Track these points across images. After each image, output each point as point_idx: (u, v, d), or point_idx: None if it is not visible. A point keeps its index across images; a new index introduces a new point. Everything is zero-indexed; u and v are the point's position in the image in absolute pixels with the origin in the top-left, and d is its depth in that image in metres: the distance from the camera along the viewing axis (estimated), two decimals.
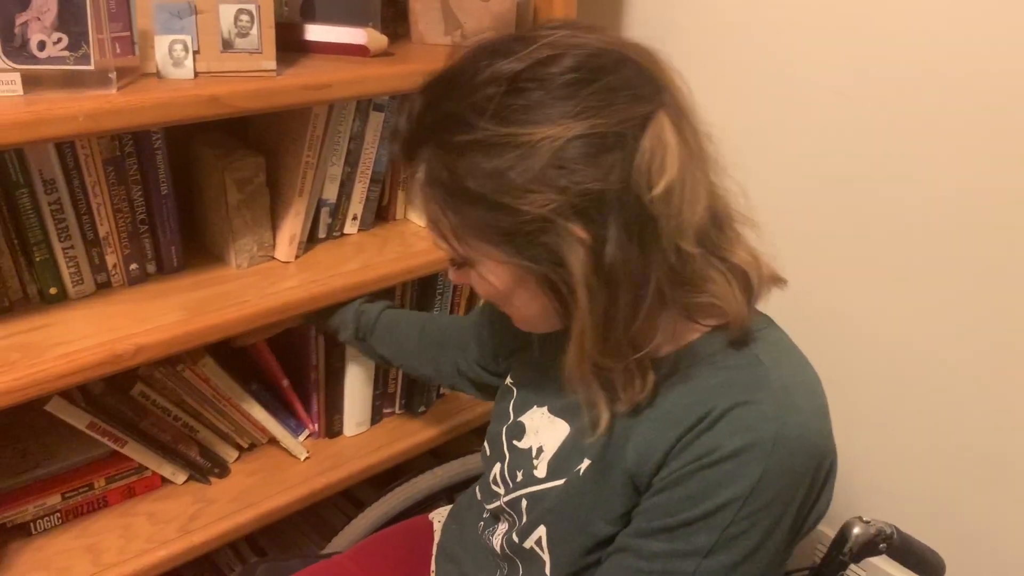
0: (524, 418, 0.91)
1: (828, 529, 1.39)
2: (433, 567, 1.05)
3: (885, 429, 1.36)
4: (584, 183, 0.65)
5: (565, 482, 0.83)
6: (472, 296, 1.44)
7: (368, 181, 1.27)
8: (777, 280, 0.78)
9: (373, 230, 1.32)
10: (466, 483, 1.28)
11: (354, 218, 1.29)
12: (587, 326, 0.70)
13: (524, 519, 0.87)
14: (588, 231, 0.66)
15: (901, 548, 0.91)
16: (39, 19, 0.87)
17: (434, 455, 1.48)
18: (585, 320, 0.69)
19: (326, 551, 1.18)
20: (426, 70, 1.14)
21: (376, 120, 1.23)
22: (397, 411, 1.43)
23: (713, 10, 1.36)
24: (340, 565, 1.06)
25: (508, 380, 0.97)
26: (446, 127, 0.68)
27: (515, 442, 0.91)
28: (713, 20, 1.37)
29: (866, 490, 1.40)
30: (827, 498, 0.76)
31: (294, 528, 1.49)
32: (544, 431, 0.88)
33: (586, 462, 0.81)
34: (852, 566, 0.91)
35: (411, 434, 1.40)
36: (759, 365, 0.73)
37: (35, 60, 0.88)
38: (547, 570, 0.85)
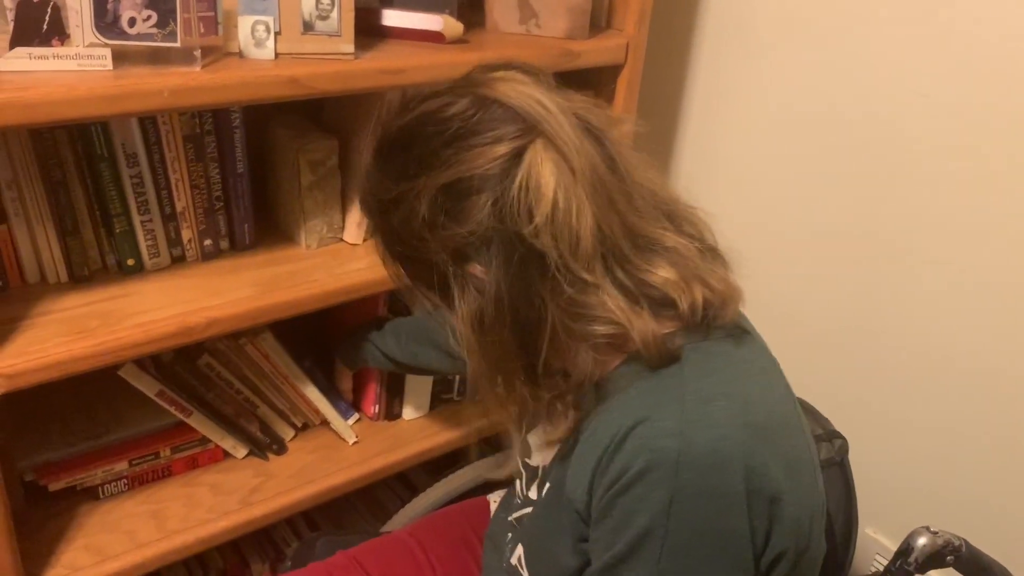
0: (530, 436, 0.91)
1: (882, 537, 1.38)
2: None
3: (950, 438, 1.32)
4: (456, 228, 0.68)
5: (535, 504, 0.84)
6: None
7: None
8: (730, 302, 0.73)
9: None
10: None
11: None
12: (478, 353, 0.71)
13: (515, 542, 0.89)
14: (478, 271, 0.69)
15: (969, 562, 0.89)
16: None
17: (487, 443, 1.48)
18: (473, 362, 0.72)
19: (385, 529, 1.20)
20: (500, 57, 1.15)
21: None
22: (455, 397, 1.44)
23: (802, 10, 1.34)
24: (400, 540, 1.08)
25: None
26: (365, 186, 0.78)
27: (527, 459, 0.92)
28: (805, 19, 1.35)
29: (931, 500, 1.36)
30: (779, 529, 0.67)
31: (350, 507, 1.51)
32: (539, 453, 0.89)
33: (547, 486, 0.82)
34: None
35: (467, 421, 1.41)
36: (677, 378, 0.69)
37: (125, 36, 0.90)
38: None
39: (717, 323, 0.71)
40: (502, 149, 0.67)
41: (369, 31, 1.13)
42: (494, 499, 1.14)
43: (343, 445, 1.33)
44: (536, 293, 0.68)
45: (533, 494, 0.88)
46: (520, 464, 0.93)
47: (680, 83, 1.53)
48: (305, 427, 1.35)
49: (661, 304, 0.70)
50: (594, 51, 1.24)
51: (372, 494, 1.52)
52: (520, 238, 0.67)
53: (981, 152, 1.17)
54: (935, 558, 0.88)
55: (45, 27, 0.88)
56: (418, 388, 1.38)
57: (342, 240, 1.23)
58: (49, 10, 0.87)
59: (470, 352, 0.72)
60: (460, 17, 1.16)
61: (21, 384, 0.92)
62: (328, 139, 1.16)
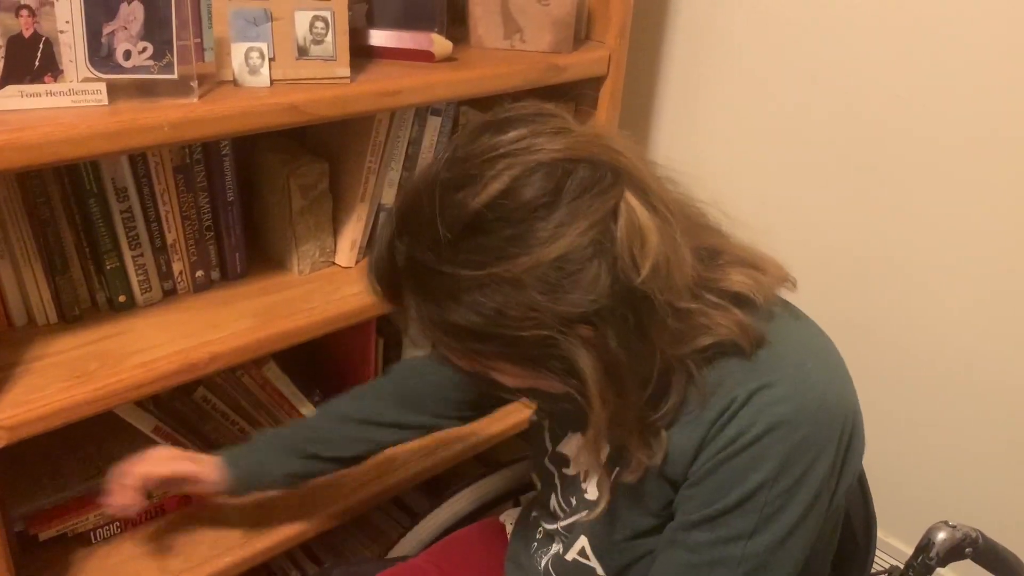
0: (562, 447, 0.92)
1: (891, 539, 1.42)
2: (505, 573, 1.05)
3: (959, 432, 1.36)
4: (577, 299, 0.65)
5: (597, 501, 0.84)
6: None
7: None
8: (784, 280, 0.79)
9: None
10: (528, 486, 1.28)
11: None
12: (602, 418, 0.70)
13: (573, 540, 0.89)
14: (590, 334, 0.67)
15: (986, 553, 0.92)
16: (126, 28, 0.86)
17: (481, 462, 1.48)
18: (600, 416, 0.70)
19: (393, 555, 1.18)
20: (492, 75, 1.15)
21: (434, 124, 1.22)
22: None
23: (772, 16, 1.37)
24: (419, 568, 1.06)
25: (532, 416, 0.98)
26: (421, 277, 0.68)
27: (564, 470, 0.92)
28: (760, 12, 1.37)
29: (943, 494, 1.40)
30: (855, 452, 0.78)
31: (347, 535, 1.48)
32: (584, 455, 0.88)
33: (605, 501, 0.82)
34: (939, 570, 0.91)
35: (461, 438, 1.40)
36: (769, 348, 0.74)
37: (121, 69, 0.87)
38: (600, 572, 0.87)
39: (774, 301, 0.77)
40: (602, 208, 0.66)
41: (357, 52, 1.11)
42: (507, 520, 1.13)
43: (340, 472, 1.30)
44: (646, 335, 0.69)
45: (591, 495, 0.87)
46: (555, 478, 0.93)
47: (656, 92, 1.55)
48: None
49: (742, 303, 0.74)
50: (579, 64, 1.24)
51: (368, 519, 1.50)
52: (630, 290, 0.66)
53: (959, 149, 1.21)
54: (954, 551, 0.91)
55: (37, 63, 0.84)
56: None
57: (335, 264, 1.21)
58: (41, 46, 0.83)
59: (595, 412, 0.70)
60: (445, 34, 1.16)
61: (23, 435, 0.89)
62: (319, 163, 1.14)
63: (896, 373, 1.36)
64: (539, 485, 0.97)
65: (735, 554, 0.75)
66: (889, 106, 1.26)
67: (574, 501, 0.90)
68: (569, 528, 0.90)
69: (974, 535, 0.90)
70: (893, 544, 1.41)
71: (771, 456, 0.72)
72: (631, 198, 0.67)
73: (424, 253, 0.67)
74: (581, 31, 1.31)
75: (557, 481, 0.93)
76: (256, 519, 1.20)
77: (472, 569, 1.07)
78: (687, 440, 0.75)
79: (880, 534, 1.39)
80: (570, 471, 0.91)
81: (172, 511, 1.22)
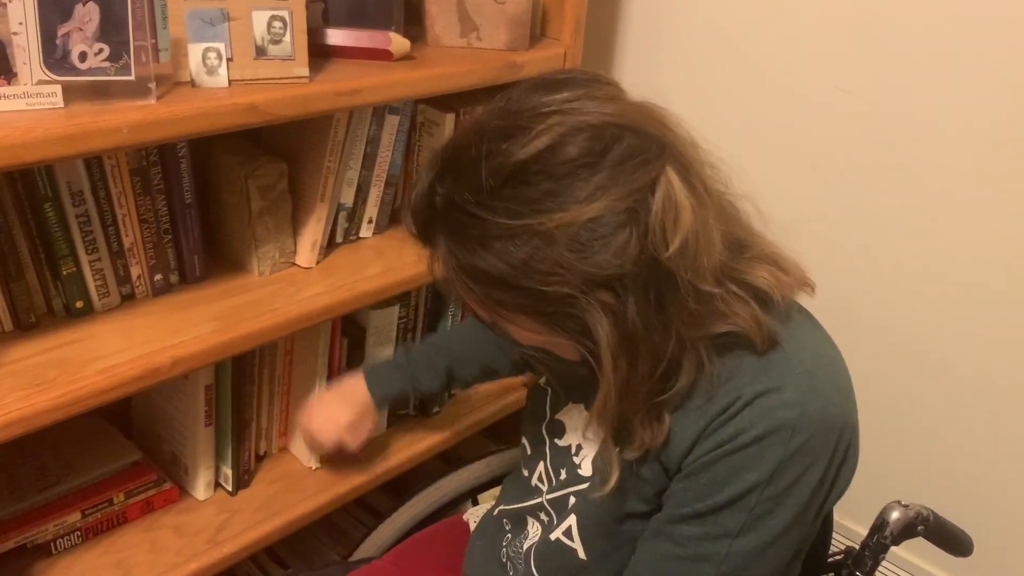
0: (562, 416, 0.93)
1: (847, 520, 1.46)
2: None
3: (910, 415, 1.41)
4: (603, 261, 0.67)
5: (591, 478, 0.85)
6: None
7: (383, 184, 1.27)
8: (804, 285, 0.81)
9: (388, 233, 1.32)
10: (489, 483, 1.29)
11: (369, 221, 1.28)
12: (611, 387, 0.72)
13: (563, 515, 0.89)
14: (611, 300, 0.68)
15: (937, 530, 0.95)
16: (81, 30, 0.85)
17: (443, 459, 1.48)
18: (610, 382, 0.72)
19: (356, 557, 1.18)
20: (450, 73, 1.15)
21: (392, 123, 1.23)
22: (411, 412, 1.43)
23: (718, 11, 1.39)
24: (383, 570, 1.06)
25: (541, 380, 0.99)
26: (457, 220, 0.69)
27: (556, 440, 0.93)
28: (710, 8, 1.40)
29: (894, 474, 1.45)
30: (849, 469, 0.80)
31: (312, 537, 1.48)
32: (584, 429, 0.90)
33: (615, 475, 0.83)
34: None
35: (425, 436, 1.41)
36: (781, 352, 0.76)
37: (76, 71, 0.86)
38: (581, 555, 0.88)
39: (790, 303, 0.79)
40: (643, 179, 0.67)
41: (314, 51, 1.10)
42: (471, 519, 1.14)
43: (304, 473, 1.30)
44: (665, 311, 0.70)
45: (584, 470, 0.88)
46: (547, 447, 0.94)
47: None
48: (266, 455, 1.32)
49: (761, 299, 0.75)
50: (535, 61, 1.25)
51: (330, 519, 1.49)
52: (657, 263, 0.67)
53: (954, 144, 1.24)
54: (907, 529, 0.94)
55: None
56: None
57: (295, 264, 1.20)
58: None
59: (605, 378, 0.71)
60: (402, 33, 1.16)
61: None
62: (277, 163, 1.14)
63: (854, 359, 1.40)
64: (528, 451, 0.97)
65: (720, 551, 0.76)
66: (872, 98, 1.30)
67: (563, 473, 0.90)
68: (557, 503, 0.90)
69: (925, 513, 0.94)
70: (848, 526, 1.45)
71: (768, 458, 0.73)
72: (672, 174, 0.68)
73: (463, 196, 0.68)
74: (536, 29, 1.33)
75: (548, 450, 0.94)
76: (220, 525, 1.19)
77: (435, 568, 1.07)
78: (687, 430, 0.76)
79: (836, 516, 1.44)
80: (562, 442, 0.92)
81: (135, 519, 1.20)
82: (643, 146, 0.68)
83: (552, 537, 0.90)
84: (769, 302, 0.76)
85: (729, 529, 0.76)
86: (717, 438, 0.75)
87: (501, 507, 1.01)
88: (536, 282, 0.67)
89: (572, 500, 0.89)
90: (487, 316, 0.75)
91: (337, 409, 1.15)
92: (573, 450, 0.90)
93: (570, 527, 0.88)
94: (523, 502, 0.96)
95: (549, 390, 0.96)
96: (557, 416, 0.94)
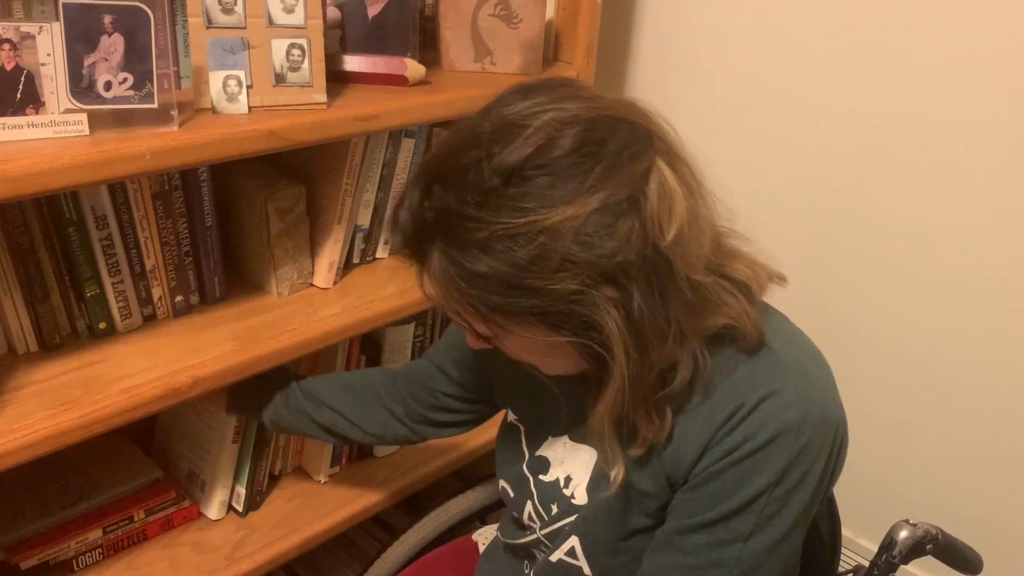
0: (543, 451, 0.92)
1: (857, 536, 1.46)
2: None
3: (920, 433, 1.41)
4: (610, 250, 0.67)
5: (599, 493, 0.85)
6: None
7: None
8: (775, 277, 0.81)
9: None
10: (499, 504, 1.30)
11: (385, 242, 1.31)
12: (624, 380, 0.72)
13: (561, 542, 0.89)
14: (616, 292, 0.69)
15: (946, 548, 0.96)
16: (106, 60, 0.87)
17: (459, 476, 1.49)
18: (623, 375, 0.72)
19: None
20: (464, 97, 1.17)
21: (408, 146, 1.25)
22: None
23: (721, 22, 1.41)
24: None
25: (511, 417, 0.98)
26: (454, 225, 0.68)
27: (541, 477, 0.92)
28: (719, 31, 1.42)
29: (903, 493, 1.45)
30: (843, 459, 0.82)
31: (328, 554, 1.49)
32: (569, 460, 0.89)
33: (621, 470, 0.82)
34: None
35: (441, 454, 1.42)
36: (771, 352, 0.77)
37: (101, 100, 0.89)
38: (587, 571, 0.88)
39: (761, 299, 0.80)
40: (639, 168, 0.68)
41: (332, 77, 1.13)
42: (480, 540, 1.15)
43: (320, 491, 1.32)
44: (666, 302, 0.70)
45: (580, 499, 0.87)
46: (531, 485, 0.93)
47: None
48: (280, 473, 1.34)
49: (743, 292, 0.77)
50: None
51: (346, 536, 1.51)
52: (657, 252, 0.68)
53: (911, 159, 1.26)
54: (916, 548, 0.94)
55: (19, 96, 0.85)
56: None
57: (313, 285, 1.23)
58: (23, 79, 0.85)
59: (617, 371, 0.71)
60: (417, 58, 1.18)
61: (9, 464, 0.89)
62: (295, 186, 1.16)
63: (861, 376, 1.41)
64: (511, 493, 0.95)
65: (732, 556, 0.77)
66: (841, 121, 1.31)
67: (555, 507, 0.90)
68: (553, 536, 0.91)
69: (934, 532, 0.94)
70: (860, 543, 1.45)
71: (776, 460, 0.74)
72: (662, 163, 0.69)
73: (463, 201, 0.67)
74: (549, 52, 1.35)
75: (534, 488, 0.93)
76: (238, 542, 1.21)
77: None
78: (692, 441, 0.77)
79: (847, 533, 1.44)
80: (548, 477, 0.91)
81: (155, 536, 1.22)
82: (635, 136, 0.69)
83: (553, 559, 0.90)
84: (749, 295, 0.77)
85: (740, 533, 0.77)
86: (725, 446, 0.76)
87: (503, 540, 1.01)
88: (543, 280, 0.67)
89: (567, 530, 0.89)
90: (484, 329, 0.75)
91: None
92: (562, 483, 0.89)
93: (572, 547, 0.88)
94: (520, 539, 0.97)
95: (523, 428, 0.95)
96: (539, 452, 0.93)
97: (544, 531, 0.92)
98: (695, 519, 0.78)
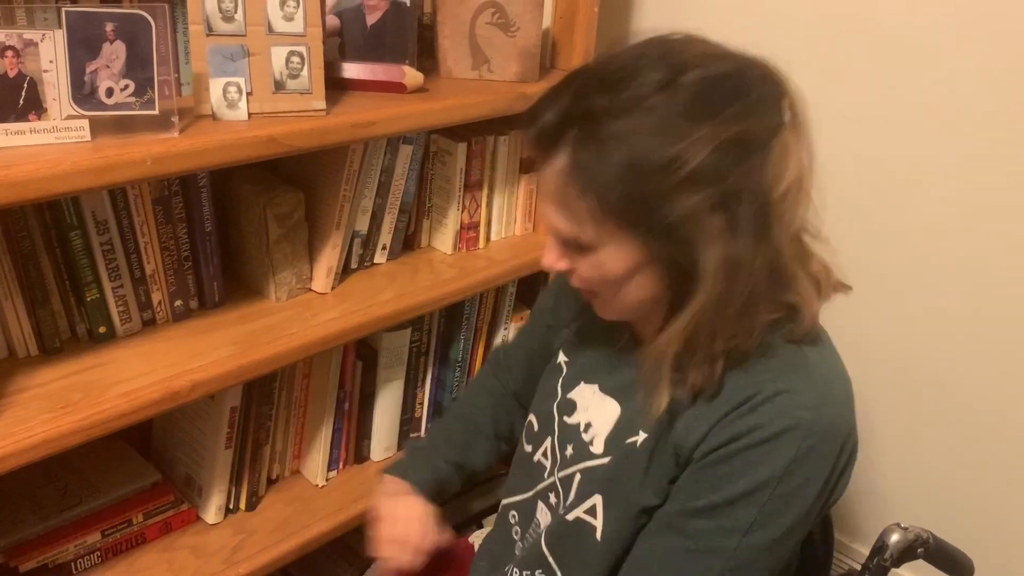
0: (573, 395, 0.95)
1: (849, 541, 1.47)
2: None
3: (911, 438, 1.42)
4: (732, 180, 0.71)
5: (622, 454, 0.87)
6: (492, 324, 1.47)
7: (397, 212, 1.30)
8: (840, 287, 0.85)
9: (401, 259, 1.35)
10: (495, 507, 1.31)
11: (383, 248, 1.32)
12: (703, 312, 0.75)
13: (572, 495, 0.91)
14: (725, 223, 0.72)
15: (937, 552, 0.97)
16: (108, 66, 0.88)
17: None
18: (703, 306, 0.75)
19: None
20: (462, 104, 1.19)
21: (405, 153, 1.26)
22: (423, 435, 1.46)
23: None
24: None
25: (560, 358, 1.01)
26: (598, 119, 0.72)
27: (565, 418, 0.95)
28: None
29: (895, 497, 1.46)
30: (847, 477, 0.83)
31: (326, 558, 1.50)
32: (594, 408, 0.92)
33: (642, 435, 0.85)
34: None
35: None
36: (804, 359, 0.80)
37: (103, 106, 0.90)
38: (597, 535, 0.88)
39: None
40: (774, 120, 0.74)
41: (331, 84, 1.14)
42: (477, 541, 1.15)
43: (318, 495, 1.33)
44: (758, 254, 0.74)
45: (597, 448, 0.90)
46: (555, 424, 0.96)
47: None
48: (278, 478, 1.34)
49: (815, 286, 0.80)
50: None
51: (343, 541, 1.51)
52: (767, 200, 0.73)
53: (902, 166, 1.27)
54: (907, 552, 0.95)
55: (21, 102, 0.86)
56: (386, 427, 1.39)
57: (311, 290, 1.24)
58: (25, 85, 0.86)
59: (704, 291, 0.74)
60: (415, 65, 1.20)
61: (10, 467, 0.89)
62: (294, 192, 1.17)
63: (853, 381, 1.42)
64: (536, 427, 0.99)
65: (729, 546, 0.79)
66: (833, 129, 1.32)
67: (570, 449, 0.92)
68: (565, 481, 0.92)
69: (925, 536, 0.95)
70: (853, 547, 1.46)
71: (780, 455, 0.77)
72: (790, 127, 0.75)
73: (613, 100, 0.72)
74: (546, 60, 1.36)
75: (556, 427, 0.96)
76: (236, 545, 1.21)
77: None
78: (704, 415, 0.79)
79: (839, 537, 1.45)
80: (572, 420, 0.94)
81: (153, 539, 1.22)
82: (777, 95, 0.76)
83: (570, 517, 0.90)
84: (818, 289, 0.81)
85: (741, 524, 0.79)
86: (733, 430, 0.78)
87: (506, 501, 1.03)
88: (667, 187, 0.71)
89: (579, 477, 0.90)
90: (585, 234, 0.77)
91: (404, 529, 1.04)
92: (582, 427, 0.92)
93: (594, 505, 0.89)
94: (529, 489, 0.98)
95: (564, 369, 0.98)
96: (569, 395, 0.96)
97: (560, 473, 0.93)
98: (699, 502, 0.80)
